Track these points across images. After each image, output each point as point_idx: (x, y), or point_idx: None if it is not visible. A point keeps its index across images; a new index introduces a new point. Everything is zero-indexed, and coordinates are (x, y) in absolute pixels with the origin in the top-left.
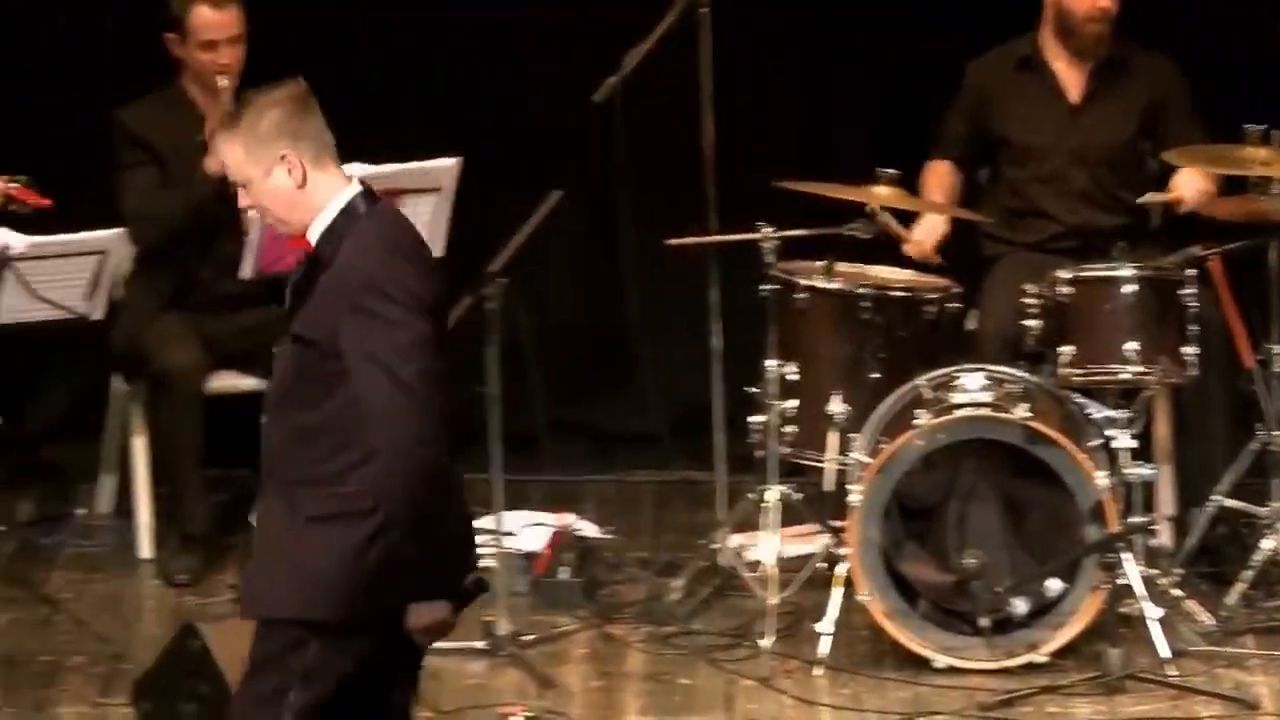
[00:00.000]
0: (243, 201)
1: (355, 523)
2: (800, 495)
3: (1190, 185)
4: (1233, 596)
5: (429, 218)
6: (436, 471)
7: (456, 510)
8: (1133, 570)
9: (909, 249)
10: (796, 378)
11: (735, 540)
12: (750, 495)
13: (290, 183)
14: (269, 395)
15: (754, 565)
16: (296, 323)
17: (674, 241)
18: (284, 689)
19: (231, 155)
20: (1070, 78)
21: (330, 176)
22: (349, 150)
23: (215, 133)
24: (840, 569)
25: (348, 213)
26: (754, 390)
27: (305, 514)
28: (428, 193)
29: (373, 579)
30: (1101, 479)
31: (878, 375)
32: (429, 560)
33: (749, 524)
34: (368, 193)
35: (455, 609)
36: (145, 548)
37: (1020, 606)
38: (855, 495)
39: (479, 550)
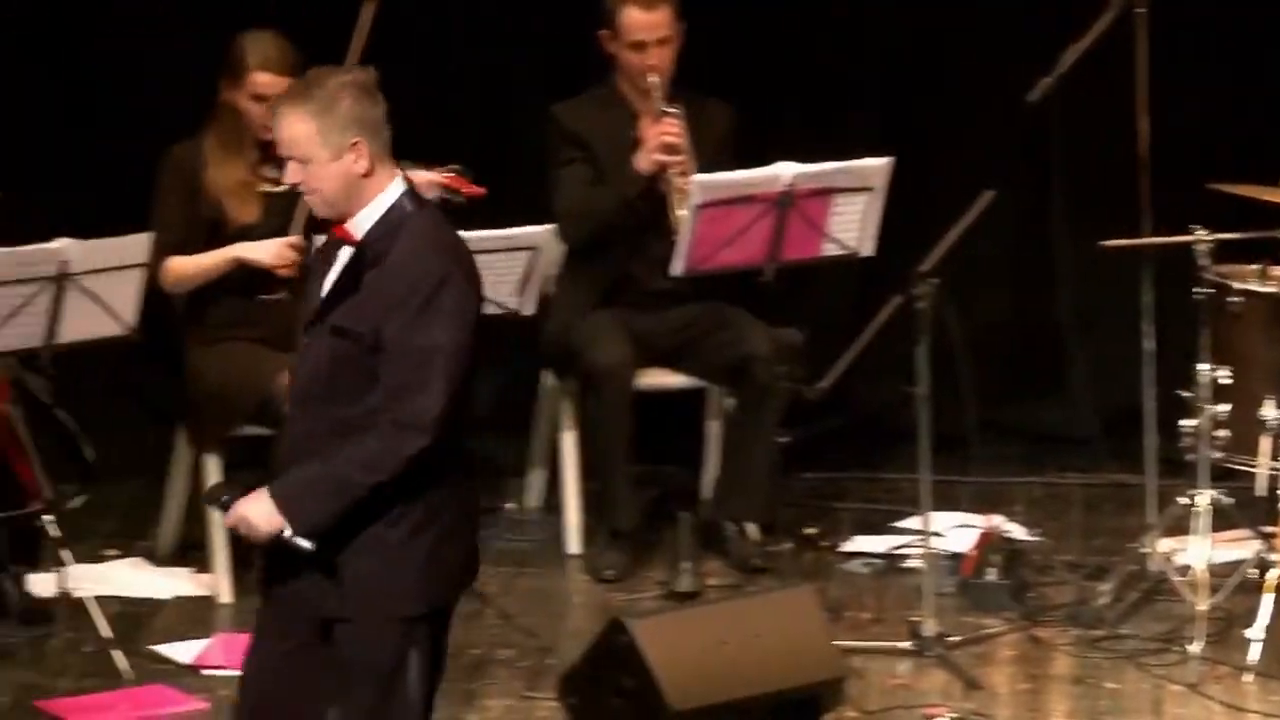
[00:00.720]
0: (293, 177)
1: (402, 516)
2: (1231, 500)
3: None
4: None
5: (860, 217)
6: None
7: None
8: None
9: None
10: (1229, 381)
11: (1165, 544)
12: (1181, 499)
13: (356, 171)
14: (298, 386)
15: (1184, 570)
16: (338, 314)
17: (1108, 243)
18: (385, 688)
19: (301, 130)
20: None
21: (387, 170)
22: (783, 148)
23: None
24: (1271, 575)
25: (397, 209)
26: (1186, 394)
27: None
28: (860, 191)
29: (425, 568)
30: None
31: None
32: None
33: (1179, 528)
34: (412, 191)
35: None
36: (574, 543)
37: None
38: None
39: None
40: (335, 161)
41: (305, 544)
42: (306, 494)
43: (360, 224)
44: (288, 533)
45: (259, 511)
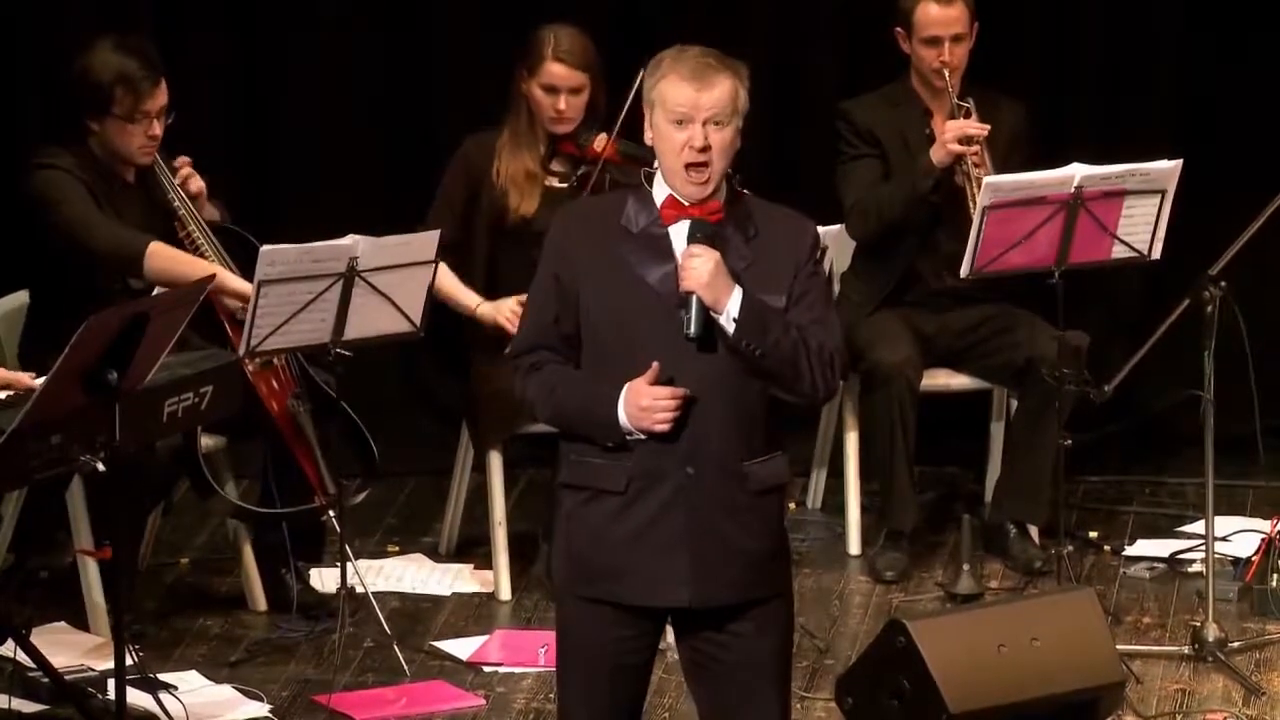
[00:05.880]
0: (701, 140)
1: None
2: None
3: None
4: None
5: (1150, 219)
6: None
7: None
8: None
9: None
10: None
11: None
12: None
13: (738, 146)
14: (700, 377)
15: None
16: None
17: None
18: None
19: (729, 89)
20: None
21: None
22: (1078, 148)
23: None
24: None
25: (730, 186)
26: None
27: (752, 490)
28: (1150, 194)
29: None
30: None
31: None
32: None
33: None
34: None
35: None
36: (854, 543)
37: None
38: None
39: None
40: (737, 136)
41: (729, 325)
42: (765, 307)
43: (719, 199)
44: (724, 310)
45: (720, 273)
